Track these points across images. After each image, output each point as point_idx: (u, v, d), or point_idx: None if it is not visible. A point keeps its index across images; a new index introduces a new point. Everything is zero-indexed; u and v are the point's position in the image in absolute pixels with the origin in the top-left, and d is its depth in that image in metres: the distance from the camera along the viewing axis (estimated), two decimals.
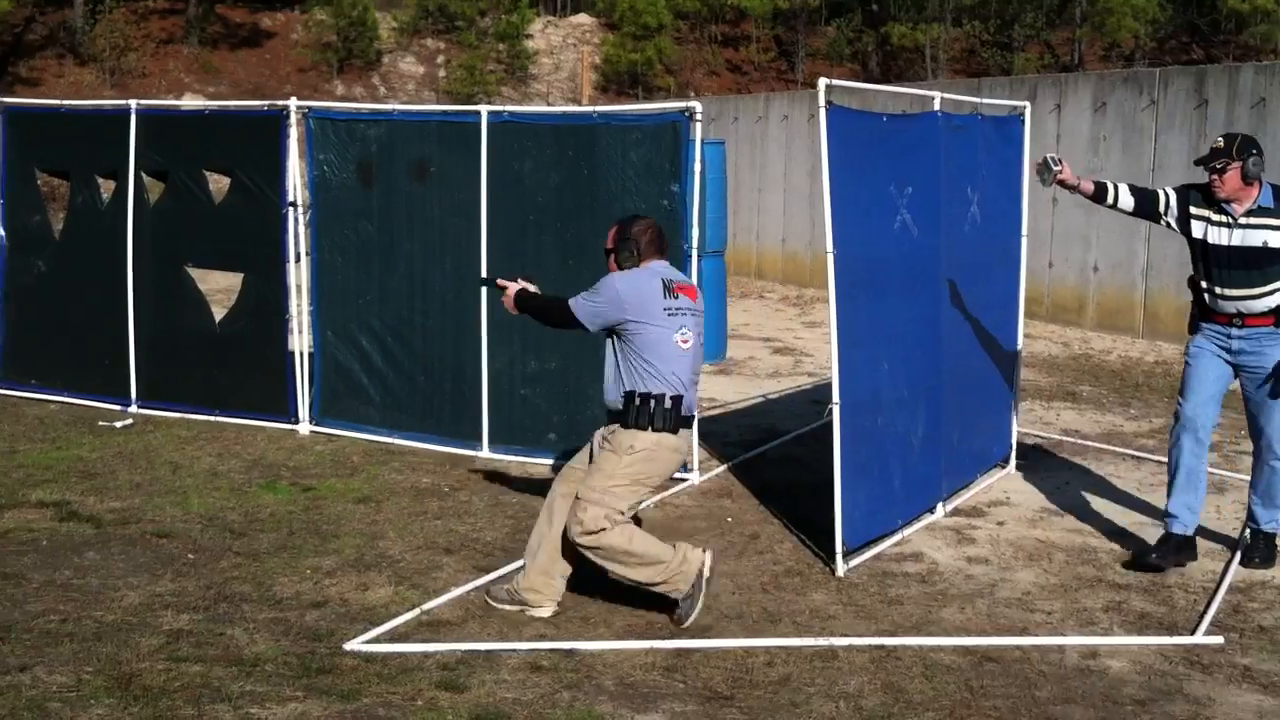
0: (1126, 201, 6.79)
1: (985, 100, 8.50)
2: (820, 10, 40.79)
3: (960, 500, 7.90)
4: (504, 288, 6.16)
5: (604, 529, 5.65)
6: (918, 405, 7.27)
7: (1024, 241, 8.73)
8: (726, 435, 9.61)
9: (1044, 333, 14.59)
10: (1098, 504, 7.95)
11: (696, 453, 8.39)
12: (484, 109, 8.87)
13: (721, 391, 11.26)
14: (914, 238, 7.15)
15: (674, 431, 5.75)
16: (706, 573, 5.77)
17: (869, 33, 39.92)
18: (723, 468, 8.69)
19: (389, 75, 36.59)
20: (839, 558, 6.50)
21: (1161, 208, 6.73)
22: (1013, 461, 8.70)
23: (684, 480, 8.22)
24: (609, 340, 5.87)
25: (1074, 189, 6.84)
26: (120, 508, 7.48)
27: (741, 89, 37.34)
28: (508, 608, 5.96)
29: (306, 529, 7.18)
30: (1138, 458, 9.13)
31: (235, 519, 7.34)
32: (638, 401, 5.71)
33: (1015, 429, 8.75)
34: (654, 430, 5.71)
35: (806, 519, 7.38)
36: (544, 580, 5.93)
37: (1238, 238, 6.48)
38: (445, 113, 9.69)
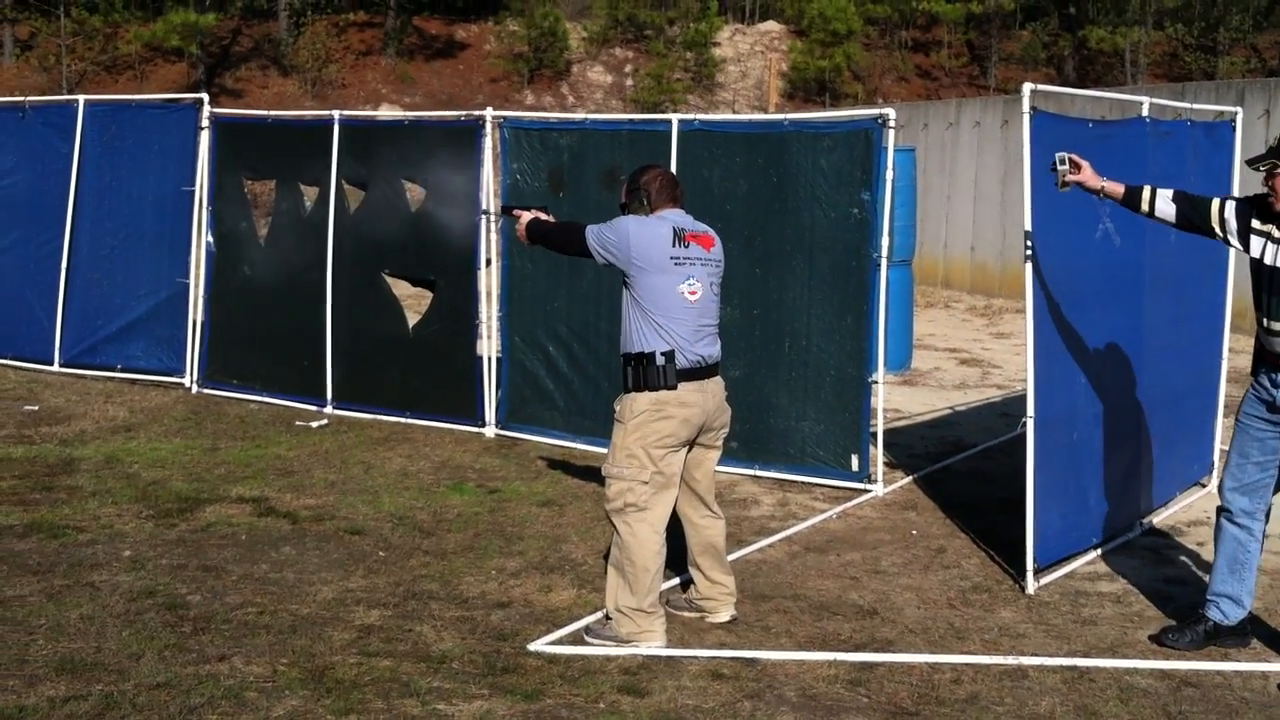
0: (1165, 210, 5.78)
1: (1193, 105, 8.17)
2: (1014, 14, 39.93)
3: (1158, 519, 7.62)
4: (518, 216, 5.94)
5: (629, 504, 5.52)
6: (1116, 420, 7.04)
7: (1231, 252, 8.37)
8: (911, 447, 9.46)
9: (1248, 346, 13.95)
10: None
11: (881, 464, 8.28)
12: (674, 117, 8.91)
13: (906, 402, 11.08)
14: (1116, 247, 6.93)
15: (672, 387, 5.51)
16: (647, 651, 5.52)
17: (1065, 36, 38.91)
18: (907, 479, 8.55)
19: (577, 84, 37.09)
20: (1029, 575, 6.33)
21: (1215, 221, 5.66)
22: (1213, 480, 8.35)
23: (867, 491, 8.11)
24: (623, 293, 5.67)
25: (1098, 192, 5.91)
26: (315, 505, 7.72)
27: (931, 95, 36.78)
28: (687, 614, 5.96)
29: (492, 530, 7.30)
30: None
31: (424, 519, 7.50)
32: (632, 364, 5.57)
33: (1217, 447, 8.40)
34: (649, 390, 5.52)
35: (995, 534, 7.21)
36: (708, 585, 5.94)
37: None
38: (636, 121, 9.75)
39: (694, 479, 5.84)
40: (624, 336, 5.64)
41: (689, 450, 5.72)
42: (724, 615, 5.92)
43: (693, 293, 5.59)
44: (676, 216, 5.71)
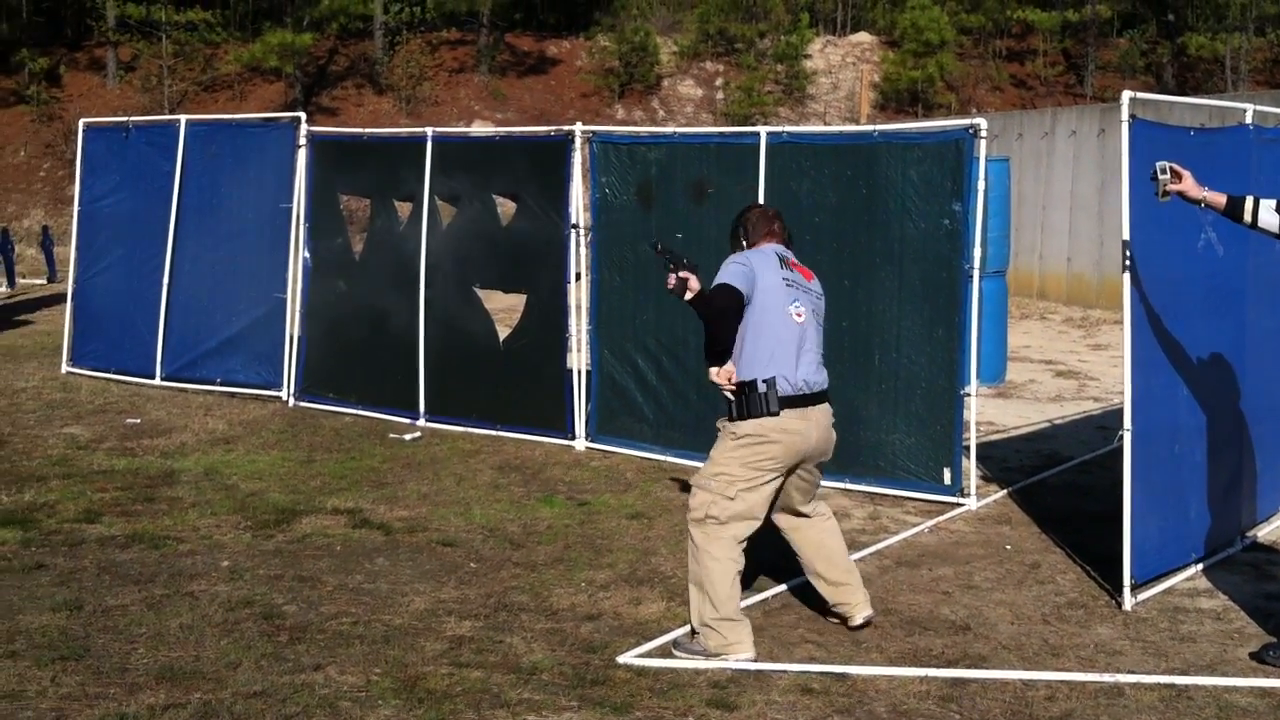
0: (1268, 220, 5.62)
1: None
2: (1111, 21, 39.36)
3: (1260, 533, 7.44)
4: (674, 268, 5.68)
5: (710, 516, 5.55)
6: (1218, 433, 6.89)
7: None
8: (1005, 460, 9.34)
9: None
10: None
11: (974, 478, 8.19)
12: (763, 130, 8.90)
13: (1000, 415, 10.95)
14: (1219, 257, 6.80)
15: (775, 414, 5.55)
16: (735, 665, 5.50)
17: (1164, 44, 38.27)
18: (1001, 493, 8.44)
19: (668, 98, 37.19)
20: (1127, 590, 6.22)
21: None
22: None
23: (960, 505, 8.02)
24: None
25: (1199, 202, 5.75)
26: (408, 516, 7.81)
27: (1026, 104, 36.35)
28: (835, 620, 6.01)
29: (582, 542, 7.33)
30: None
31: (514, 530, 7.56)
32: (737, 392, 5.63)
33: None
34: (752, 417, 5.57)
35: (1091, 549, 7.09)
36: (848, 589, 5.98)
37: None
38: (724, 134, 9.77)
39: (790, 497, 5.86)
40: (734, 364, 5.68)
41: (787, 476, 5.73)
42: (858, 616, 5.89)
43: (799, 314, 5.69)
44: (777, 248, 5.89)
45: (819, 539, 5.93)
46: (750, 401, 5.58)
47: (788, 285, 5.71)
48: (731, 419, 5.65)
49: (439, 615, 6.07)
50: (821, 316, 5.88)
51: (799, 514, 5.92)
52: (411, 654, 5.55)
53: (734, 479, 5.56)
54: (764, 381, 5.57)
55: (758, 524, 5.67)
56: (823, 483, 8.31)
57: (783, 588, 6.51)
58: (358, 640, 5.70)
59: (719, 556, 5.55)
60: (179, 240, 11.86)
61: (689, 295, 5.64)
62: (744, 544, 5.62)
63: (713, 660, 5.51)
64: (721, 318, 5.68)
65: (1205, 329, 6.82)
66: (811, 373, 5.70)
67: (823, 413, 5.75)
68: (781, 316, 5.64)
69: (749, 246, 5.88)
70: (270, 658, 5.45)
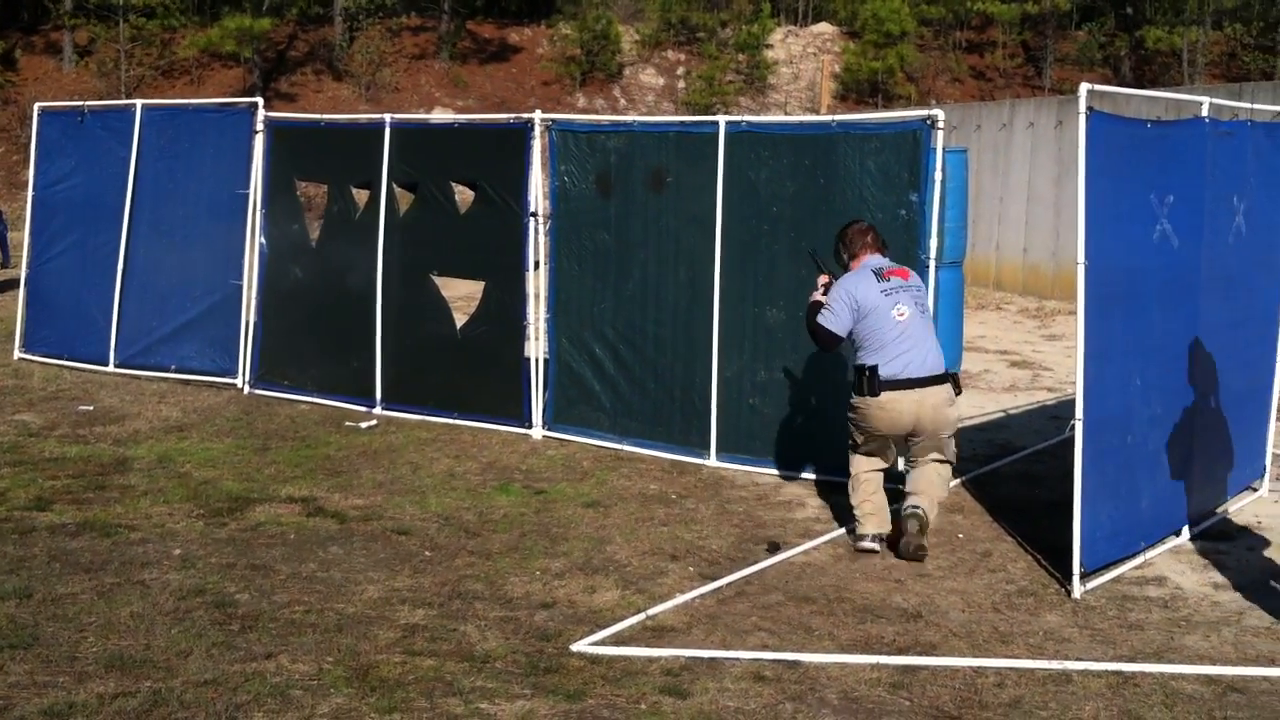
0: None
1: (1253, 105, 8.05)
2: (1070, 14, 39.62)
3: (1208, 523, 7.53)
4: (824, 283, 7.18)
5: (849, 443, 7.19)
6: (1169, 423, 6.97)
7: None
8: (960, 450, 9.39)
9: None
10: None
11: None
12: (722, 119, 8.91)
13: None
14: (1174, 249, 6.86)
15: (875, 394, 6.82)
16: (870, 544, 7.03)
17: (1122, 37, 38.55)
18: (955, 482, 8.49)
19: (630, 87, 37.16)
20: (1076, 579, 6.28)
21: None
22: (1266, 484, 8.25)
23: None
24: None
25: None
26: (363, 505, 7.79)
27: (985, 96, 36.54)
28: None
29: (537, 531, 7.33)
30: None
31: (470, 519, 7.55)
32: (853, 374, 7.01)
33: (1270, 450, 8.30)
34: (858, 396, 6.93)
35: (1043, 538, 7.16)
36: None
37: None
38: (683, 123, 9.76)
39: (914, 451, 7.08)
40: (852, 354, 7.09)
41: (909, 438, 7.00)
42: (903, 510, 6.98)
43: (901, 313, 6.85)
44: (875, 260, 7.07)
45: (918, 474, 7.07)
46: (858, 383, 6.93)
47: (886, 295, 6.87)
48: (853, 393, 7.01)
49: (392, 604, 6.06)
50: (925, 305, 7.03)
51: (917, 462, 7.12)
52: (364, 642, 5.54)
53: (852, 434, 7.14)
54: (869, 369, 6.84)
55: (882, 464, 7.19)
56: (779, 472, 8.41)
57: (735, 576, 6.53)
58: (310, 629, 5.69)
59: (854, 472, 7.16)
60: (134, 226, 11.75)
61: (815, 296, 7.14)
62: (879, 471, 7.18)
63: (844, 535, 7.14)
64: (813, 335, 7.14)
65: (1159, 320, 6.88)
66: (914, 361, 6.83)
67: (930, 394, 6.87)
68: (887, 320, 6.83)
69: (850, 259, 7.11)
70: (221, 646, 5.43)
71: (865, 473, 7.17)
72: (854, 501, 7.16)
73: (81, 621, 5.67)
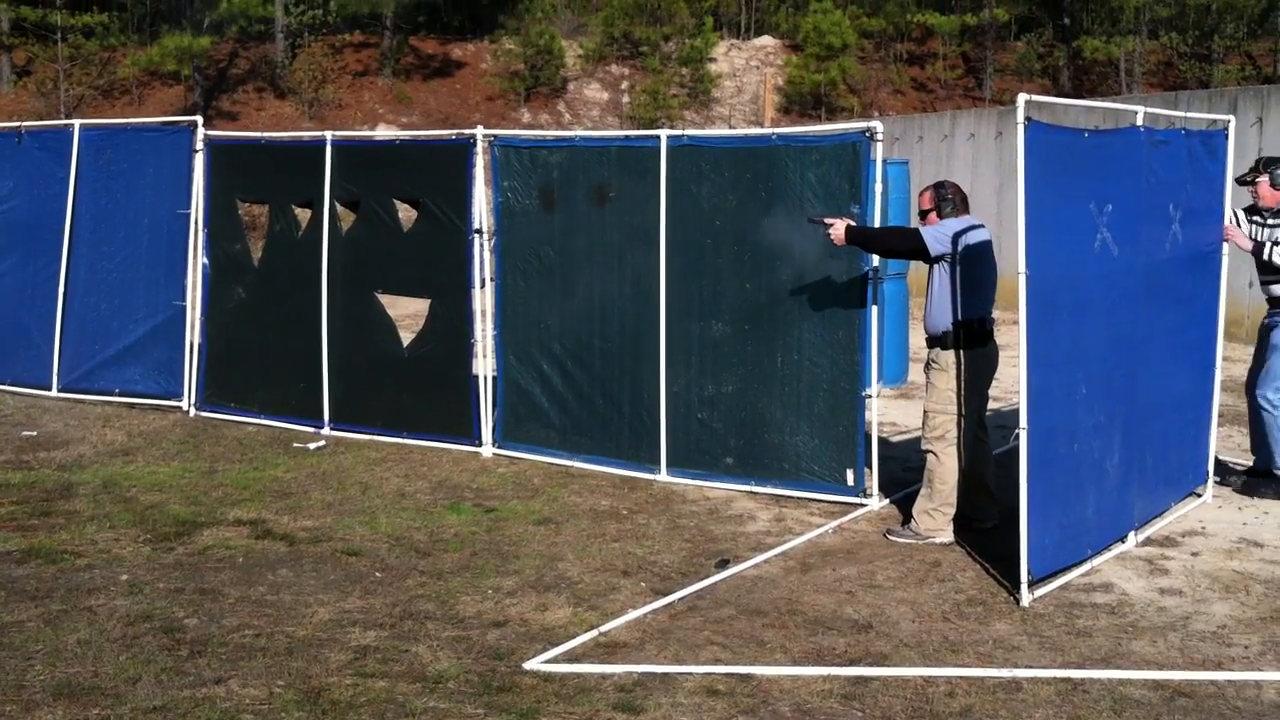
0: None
1: (1186, 114, 8.20)
2: (1009, 26, 40.04)
3: (1153, 529, 7.62)
4: (829, 224, 7.53)
5: (947, 432, 7.33)
6: (1113, 430, 7.05)
7: (1224, 260, 8.40)
8: (908, 460, 9.46)
9: (1243, 355, 13.96)
10: None
11: (876, 478, 8.28)
12: (663, 133, 8.94)
13: (902, 416, 11.09)
14: (1114, 257, 6.94)
15: (984, 344, 7.36)
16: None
17: (1060, 47, 38.99)
18: (903, 493, 8.55)
19: (574, 102, 37.17)
20: (1024, 587, 6.34)
21: None
22: (1209, 490, 8.37)
23: (863, 506, 8.12)
24: (935, 272, 7.42)
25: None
26: (312, 526, 7.74)
27: (927, 107, 36.87)
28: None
29: (488, 550, 7.31)
30: None
31: (421, 539, 7.52)
32: (952, 329, 7.34)
33: (1213, 456, 8.42)
34: (980, 346, 7.35)
35: (991, 547, 7.22)
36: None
37: None
38: (626, 137, 9.78)
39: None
40: (940, 310, 7.40)
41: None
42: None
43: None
44: (972, 219, 7.52)
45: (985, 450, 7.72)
46: (965, 336, 7.35)
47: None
48: (946, 349, 7.46)
49: (343, 625, 6.02)
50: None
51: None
52: (315, 665, 5.51)
53: (954, 402, 7.50)
54: (977, 320, 7.35)
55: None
56: (729, 486, 8.45)
57: (687, 591, 6.55)
58: (260, 652, 5.64)
59: (949, 465, 7.50)
60: (74, 247, 11.63)
61: (839, 228, 7.51)
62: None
63: (919, 539, 7.41)
64: (875, 244, 7.75)
65: (1101, 328, 6.96)
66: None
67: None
68: (988, 271, 7.44)
69: (952, 211, 7.50)
70: (170, 672, 5.38)
71: (951, 469, 7.42)
72: (934, 505, 7.42)
73: (28, 649, 5.60)
